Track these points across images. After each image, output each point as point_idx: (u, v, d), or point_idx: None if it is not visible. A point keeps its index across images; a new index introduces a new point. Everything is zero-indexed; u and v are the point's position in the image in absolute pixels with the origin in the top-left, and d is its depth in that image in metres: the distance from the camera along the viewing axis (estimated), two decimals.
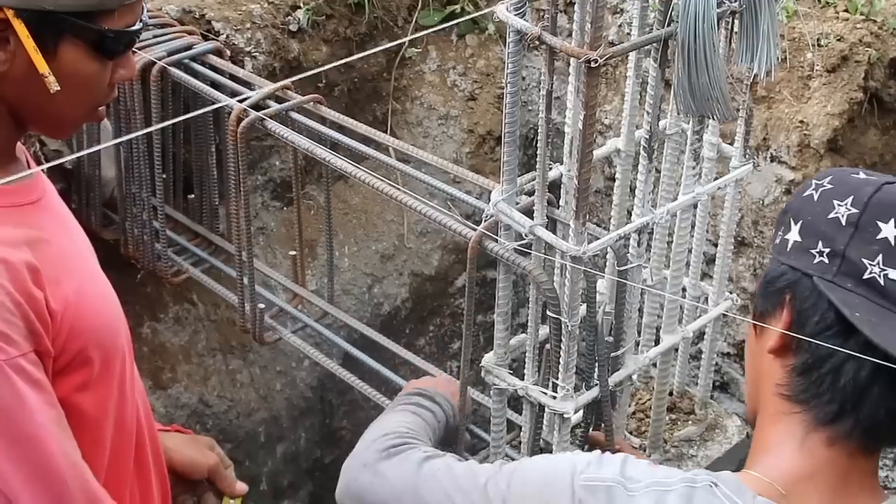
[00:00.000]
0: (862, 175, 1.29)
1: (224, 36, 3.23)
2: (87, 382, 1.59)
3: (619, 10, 3.50)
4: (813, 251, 1.26)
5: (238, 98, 2.54)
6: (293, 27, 3.40)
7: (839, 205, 1.26)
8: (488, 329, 3.49)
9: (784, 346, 1.28)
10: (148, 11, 2.64)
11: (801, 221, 1.29)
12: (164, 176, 2.96)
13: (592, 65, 1.68)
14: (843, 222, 1.25)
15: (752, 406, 1.37)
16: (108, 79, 1.56)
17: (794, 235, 1.29)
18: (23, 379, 1.45)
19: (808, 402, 1.26)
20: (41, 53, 1.45)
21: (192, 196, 3.08)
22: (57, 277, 1.53)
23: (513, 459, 2.27)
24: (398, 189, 2.18)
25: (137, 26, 1.54)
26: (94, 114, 1.61)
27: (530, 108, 3.74)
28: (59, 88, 1.47)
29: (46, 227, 1.58)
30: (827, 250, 1.25)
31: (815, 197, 1.29)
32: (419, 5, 3.71)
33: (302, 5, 3.41)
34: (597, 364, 1.99)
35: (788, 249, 1.29)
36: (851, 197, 1.26)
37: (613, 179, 2.06)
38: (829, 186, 1.29)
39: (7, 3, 1.42)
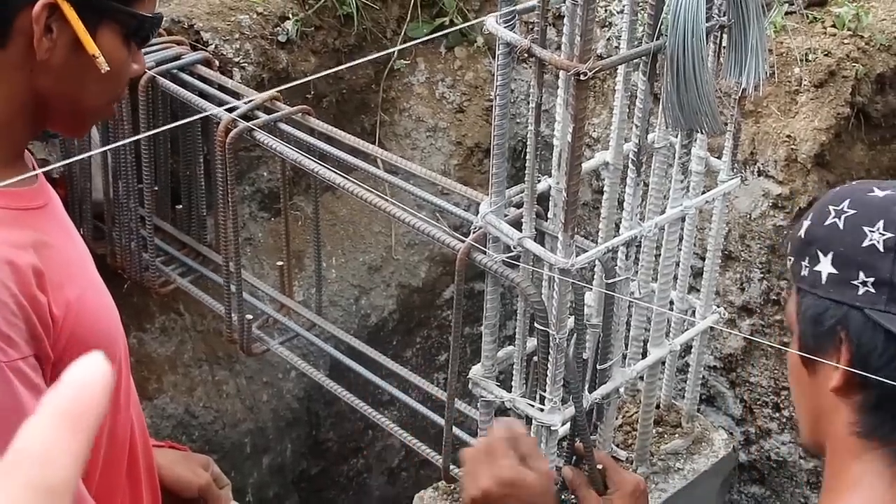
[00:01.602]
0: (878, 192, 1.27)
1: (213, 46, 3.23)
2: None
3: (607, 23, 3.51)
4: (855, 282, 1.23)
5: (226, 108, 2.54)
6: (282, 38, 3.40)
7: (870, 231, 1.23)
8: (475, 341, 3.49)
9: (848, 385, 1.25)
10: None
11: (831, 252, 1.26)
12: (155, 188, 2.96)
13: (581, 78, 1.68)
14: (881, 248, 1.22)
15: (810, 438, 1.34)
16: (129, 70, 1.57)
17: (826, 267, 1.26)
18: (22, 382, 1.44)
19: (888, 436, 1.23)
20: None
21: (180, 206, 3.07)
22: (60, 282, 1.52)
23: None
24: (386, 200, 2.18)
25: (160, 15, 1.56)
26: (110, 108, 1.63)
27: (518, 120, 3.75)
28: (109, 69, 1.47)
29: (51, 232, 1.57)
30: (871, 280, 1.22)
31: (841, 225, 1.26)
32: (408, 17, 3.72)
33: (291, 16, 3.41)
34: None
35: (824, 282, 1.26)
36: (882, 221, 1.23)
37: (601, 192, 2.06)
38: (852, 211, 1.26)
39: None
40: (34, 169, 1.61)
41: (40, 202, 1.58)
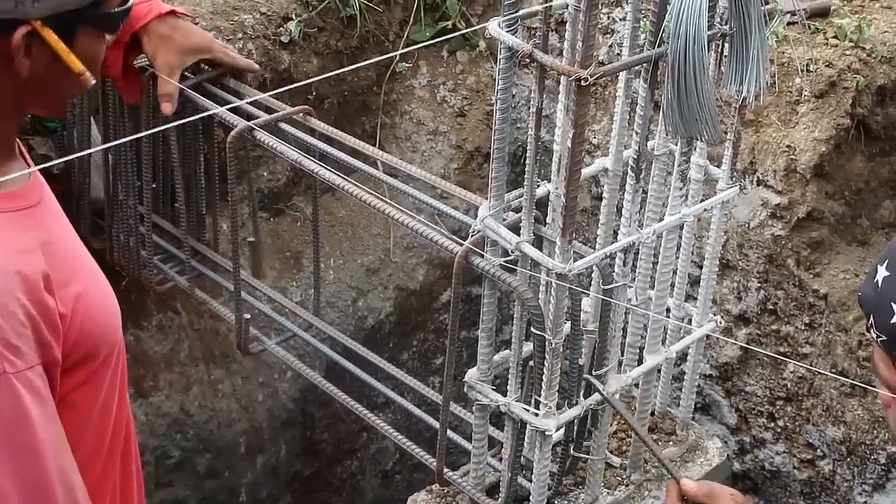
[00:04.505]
0: None
1: None
2: (89, 377, 1.61)
3: (609, 30, 3.52)
4: None
5: (228, 108, 2.54)
6: (284, 39, 3.40)
7: None
8: (471, 345, 3.49)
9: None
10: None
11: None
12: (153, 186, 2.95)
13: (583, 83, 1.68)
14: None
15: None
16: (104, 51, 1.60)
17: None
18: (28, 392, 1.46)
19: None
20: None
21: (179, 204, 3.07)
22: (66, 280, 1.54)
23: (496, 470, 2.27)
24: (385, 202, 2.18)
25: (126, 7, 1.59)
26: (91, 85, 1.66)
27: (519, 125, 3.75)
28: (94, 81, 1.50)
29: (51, 227, 1.59)
30: None
31: None
32: (411, 20, 3.72)
33: (294, 17, 3.42)
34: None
35: None
36: None
37: (600, 199, 2.07)
38: None
39: (33, 14, 1.43)
40: (27, 163, 1.62)
41: (36, 198, 1.59)
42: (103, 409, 1.69)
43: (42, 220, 1.58)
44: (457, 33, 3.70)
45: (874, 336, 1.40)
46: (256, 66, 2.77)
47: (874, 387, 1.39)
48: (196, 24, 2.76)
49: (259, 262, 2.93)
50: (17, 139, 1.63)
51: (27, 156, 1.67)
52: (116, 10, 1.56)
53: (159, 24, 2.46)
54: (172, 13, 2.49)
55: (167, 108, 2.53)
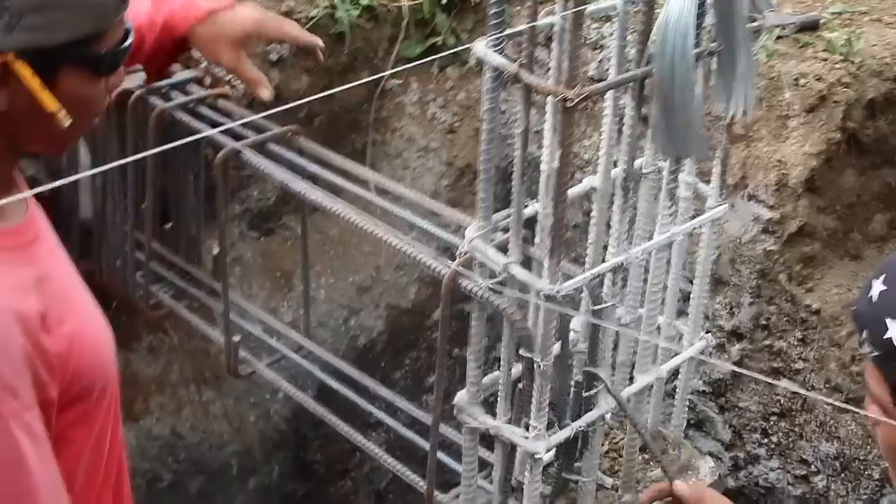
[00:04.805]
0: None
1: (204, 64, 3.21)
2: (84, 414, 1.60)
3: (599, 45, 3.51)
4: None
5: (218, 129, 2.53)
6: (273, 57, 3.39)
7: None
8: (464, 364, 3.47)
9: None
10: None
11: None
12: (143, 205, 2.94)
13: (568, 104, 1.67)
14: None
15: None
16: (104, 91, 1.57)
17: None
18: (25, 434, 1.44)
19: None
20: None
21: (170, 225, 3.05)
22: (61, 317, 1.52)
23: (487, 493, 2.25)
24: (374, 223, 2.17)
25: (129, 40, 1.55)
26: (90, 127, 1.63)
27: (510, 141, 3.74)
28: (70, 122, 1.46)
29: (47, 263, 1.57)
30: None
31: None
32: (400, 37, 3.71)
33: None
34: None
35: None
36: None
37: (590, 215, 2.06)
38: None
39: (6, 47, 1.41)
40: (26, 198, 1.60)
41: (32, 234, 1.57)
42: (97, 442, 1.67)
43: (38, 257, 1.56)
44: (446, 53, 3.69)
45: (867, 351, 1.39)
46: (319, 40, 2.53)
47: (863, 407, 1.37)
48: None
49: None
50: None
51: (25, 179, 1.65)
52: (105, 51, 1.52)
53: (201, 27, 2.34)
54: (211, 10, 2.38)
55: (265, 93, 2.44)
